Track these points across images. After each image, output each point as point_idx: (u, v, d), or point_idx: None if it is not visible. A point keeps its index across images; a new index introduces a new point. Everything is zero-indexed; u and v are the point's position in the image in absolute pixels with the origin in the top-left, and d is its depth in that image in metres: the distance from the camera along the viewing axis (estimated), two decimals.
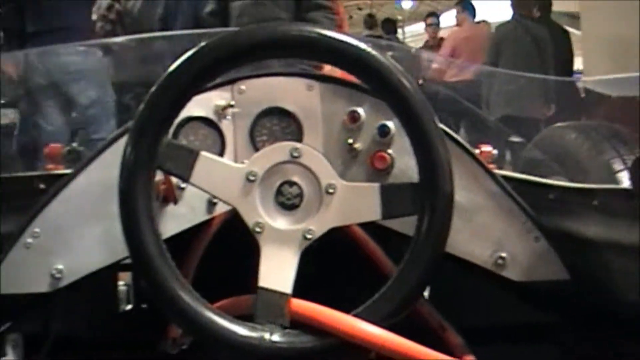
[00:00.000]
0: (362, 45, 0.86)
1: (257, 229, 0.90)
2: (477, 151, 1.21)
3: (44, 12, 2.73)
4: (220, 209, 1.11)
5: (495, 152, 1.33)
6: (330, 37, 0.86)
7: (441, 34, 6.43)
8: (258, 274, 0.88)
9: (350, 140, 1.11)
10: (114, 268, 1.13)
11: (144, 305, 1.54)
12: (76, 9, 2.84)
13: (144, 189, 0.85)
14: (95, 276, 1.09)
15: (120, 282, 1.52)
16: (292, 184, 0.91)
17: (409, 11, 14.20)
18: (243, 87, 1.13)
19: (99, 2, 4.62)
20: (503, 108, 3.85)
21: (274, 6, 2.62)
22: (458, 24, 5.69)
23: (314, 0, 2.63)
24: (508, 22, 4.51)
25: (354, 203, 0.91)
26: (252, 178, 0.90)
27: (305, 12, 2.60)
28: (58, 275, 1.05)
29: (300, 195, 0.91)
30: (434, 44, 6.19)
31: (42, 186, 1.12)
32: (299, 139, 1.12)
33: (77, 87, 2.82)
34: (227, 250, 1.22)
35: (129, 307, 1.55)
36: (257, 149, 1.13)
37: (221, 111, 1.12)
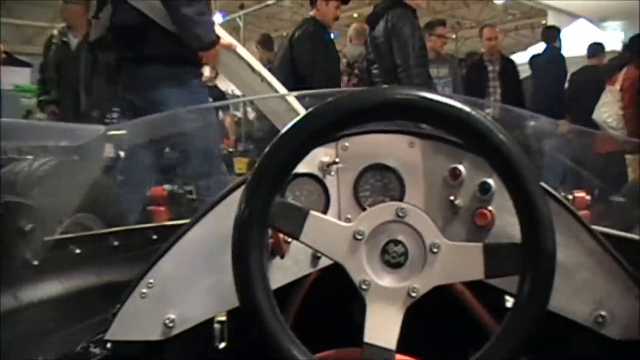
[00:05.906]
0: (462, 106, 0.86)
1: (364, 286, 0.91)
2: (570, 197, 1.21)
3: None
4: (324, 262, 1.14)
5: (588, 197, 1.33)
6: (430, 100, 0.86)
7: None
8: (364, 330, 0.90)
9: (452, 197, 1.13)
10: None
11: (236, 345, 1.59)
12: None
13: (256, 245, 0.88)
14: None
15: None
16: (397, 242, 0.92)
17: None
18: (347, 144, 1.17)
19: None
20: None
21: None
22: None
23: None
24: None
25: (458, 262, 0.91)
26: (359, 237, 0.92)
27: None
28: (170, 325, 1.10)
29: (405, 253, 0.92)
30: None
31: (154, 237, 1.18)
32: (401, 194, 1.15)
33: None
34: (322, 301, 1.25)
35: (222, 345, 1.60)
36: (360, 204, 1.16)
37: (326, 167, 1.16)
